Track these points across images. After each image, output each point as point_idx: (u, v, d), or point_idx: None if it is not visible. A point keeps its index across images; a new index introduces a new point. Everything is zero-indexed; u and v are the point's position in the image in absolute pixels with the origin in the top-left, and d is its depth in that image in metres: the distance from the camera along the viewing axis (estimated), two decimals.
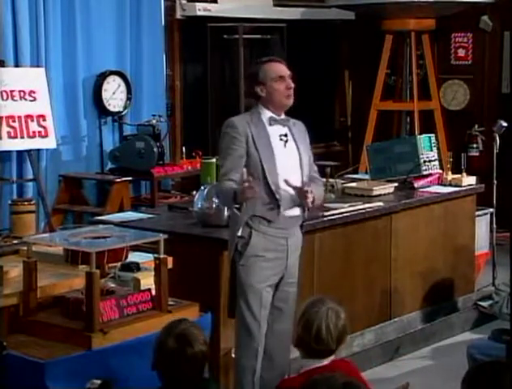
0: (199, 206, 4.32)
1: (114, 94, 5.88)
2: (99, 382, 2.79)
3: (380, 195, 5.06)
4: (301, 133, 3.71)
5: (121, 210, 5.22)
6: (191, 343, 2.68)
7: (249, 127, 3.55)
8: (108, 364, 3.27)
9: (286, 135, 3.62)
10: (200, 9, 6.45)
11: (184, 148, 6.21)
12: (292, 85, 3.61)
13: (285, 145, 3.61)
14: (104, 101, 5.82)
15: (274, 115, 3.61)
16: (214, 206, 4.25)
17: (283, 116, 3.64)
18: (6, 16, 5.14)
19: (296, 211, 3.61)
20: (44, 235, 4.26)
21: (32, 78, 5.04)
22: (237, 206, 3.56)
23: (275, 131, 3.60)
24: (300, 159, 3.64)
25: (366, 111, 7.26)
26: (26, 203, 4.62)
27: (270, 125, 3.59)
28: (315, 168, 3.78)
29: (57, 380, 3.22)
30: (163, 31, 6.24)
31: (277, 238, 3.56)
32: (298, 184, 3.57)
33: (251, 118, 3.59)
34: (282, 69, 3.63)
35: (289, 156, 3.61)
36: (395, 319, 4.96)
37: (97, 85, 5.79)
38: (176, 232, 4.10)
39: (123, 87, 5.92)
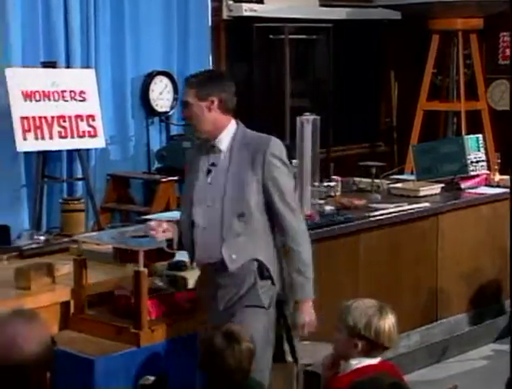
0: None
1: (161, 94, 5.93)
2: (152, 378, 2.82)
3: (426, 196, 5.03)
4: None
5: (167, 209, 5.26)
6: (238, 340, 2.70)
7: None
8: (156, 361, 3.32)
9: None
10: (246, 9, 6.47)
11: None
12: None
13: None
14: (152, 101, 5.88)
15: None
16: None
17: None
18: (58, 18, 5.23)
19: None
20: (93, 233, 4.33)
21: (82, 78, 5.11)
22: None
23: None
24: None
25: (412, 111, 7.20)
26: (76, 201, 4.71)
27: None
28: None
29: (105, 376, 3.27)
30: (209, 31, 6.28)
31: None
32: None
33: None
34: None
35: None
36: (442, 321, 4.93)
37: (145, 85, 5.84)
38: None
39: (170, 88, 5.97)
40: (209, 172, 3.12)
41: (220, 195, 3.06)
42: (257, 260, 3.09)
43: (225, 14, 6.51)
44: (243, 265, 3.08)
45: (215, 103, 3.09)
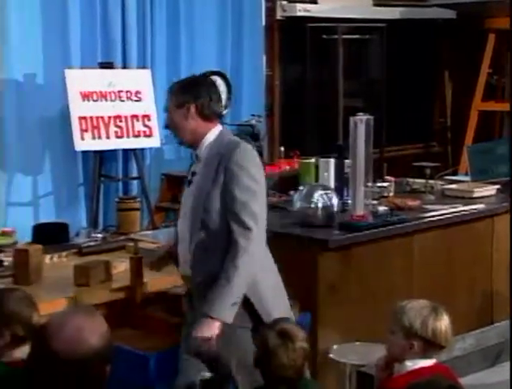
0: (298, 205, 4.35)
1: None
2: (208, 374, 2.84)
3: (481, 197, 4.97)
4: None
5: None
6: (292, 338, 2.70)
7: None
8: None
9: None
10: (300, 9, 6.50)
11: (282, 148, 6.26)
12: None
13: None
14: None
15: None
16: (313, 206, 4.28)
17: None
18: (115, 21, 5.33)
19: None
20: (148, 232, 4.39)
21: (138, 79, 5.19)
22: None
23: None
24: None
25: (466, 111, 7.13)
26: (131, 200, 4.78)
27: None
28: None
29: (160, 373, 3.31)
30: (263, 31, 6.32)
31: None
32: None
33: None
34: None
35: None
36: (497, 324, 4.86)
37: None
38: (274, 232, 4.12)
39: (224, 88, 6.01)
40: (190, 182, 3.00)
41: (190, 206, 2.94)
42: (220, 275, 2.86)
43: (279, 15, 6.54)
44: (210, 279, 2.86)
45: (192, 110, 2.92)
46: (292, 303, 3.79)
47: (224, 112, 6.10)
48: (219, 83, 6.01)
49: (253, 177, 2.88)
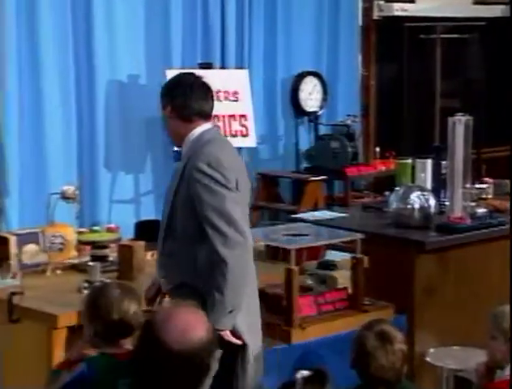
0: (394, 206, 4.32)
1: (310, 94, 6.01)
2: (307, 372, 2.86)
3: None
4: None
5: (314, 208, 5.33)
6: (391, 340, 2.69)
7: None
8: (307, 358, 3.37)
9: None
10: (397, 9, 6.45)
11: (378, 149, 6.23)
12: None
13: None
14: (301, 101, 5.97)
15: None
16: (409, 206, 4.25)
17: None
18: (215, 22, 5.43)
19: None
20: None
21: (235, 79, 5.27)
22: None
23: None
24: None
25: None
26: None
27: None
28: None
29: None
30: (359, 31, 6.30)
31: None
32: None
33: None
34: None
35: None
36: None
37: (294, 85, 5.94)
38: (369, 232, 4.11)
39: (319, 88, 6.03)
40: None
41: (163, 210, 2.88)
42: (186, 284, 2.76)
43: (376, 15, 6.51)
44: (176, 287, 2.78)
45: (168, 110, 2.83)
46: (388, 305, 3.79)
47: (320, 112, 6.13)
48: (315, 83, 6.04)
49: (221, 183, 2.73)
